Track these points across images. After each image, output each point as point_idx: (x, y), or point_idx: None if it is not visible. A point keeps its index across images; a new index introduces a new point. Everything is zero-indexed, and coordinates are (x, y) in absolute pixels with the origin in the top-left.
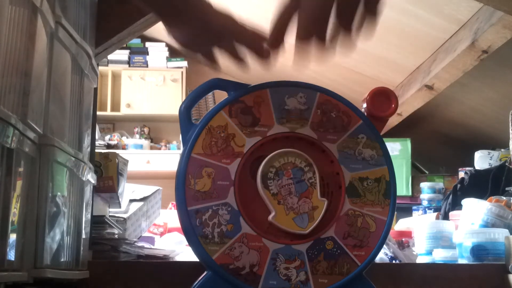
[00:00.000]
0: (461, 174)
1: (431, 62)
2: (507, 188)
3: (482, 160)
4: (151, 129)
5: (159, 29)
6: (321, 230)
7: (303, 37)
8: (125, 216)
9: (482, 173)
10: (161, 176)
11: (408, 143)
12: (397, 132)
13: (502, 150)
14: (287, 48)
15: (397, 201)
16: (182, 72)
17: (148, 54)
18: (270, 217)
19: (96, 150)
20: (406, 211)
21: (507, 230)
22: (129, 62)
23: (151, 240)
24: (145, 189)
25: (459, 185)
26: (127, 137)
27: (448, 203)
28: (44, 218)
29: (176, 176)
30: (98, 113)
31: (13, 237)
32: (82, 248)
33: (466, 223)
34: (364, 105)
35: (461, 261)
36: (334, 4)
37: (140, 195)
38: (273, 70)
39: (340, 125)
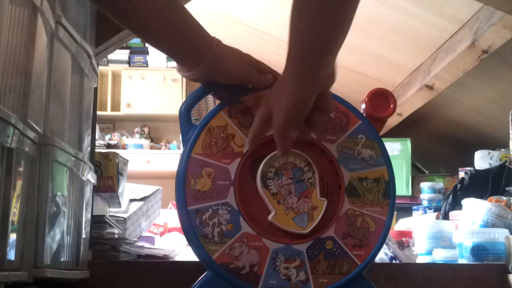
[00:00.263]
0: (461, 174)
1: (431, 62)
2: (507, 188)
3: (482, 160)
4: (151, 129)
5: None
6: (321, 230)
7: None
8: (125, 216)
9: (482, 173)
10: (161, 176)
11: (408, 143)
12: (397, 132)
13: (502, 150)
14: (286, 47)
15: (397, 201)
16: None
17: (148, 54)
18: (269, 217)
19: (96, 150)
20: (406, 211)
21: (507, 230)
22: (129, 62)
23: (151, 240)
24: (145, 189)
25: (459, 185)
26: (127, 137)
27: (448, 203)
28: (44, 218)
29: (176, 176)
30: (98, 113)
31: (13, 237)
32: (82, 248)
33: (466, 223)
34: (363, 106)
35: (461, 261)
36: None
37: (140, 195)
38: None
39: (339, 125)
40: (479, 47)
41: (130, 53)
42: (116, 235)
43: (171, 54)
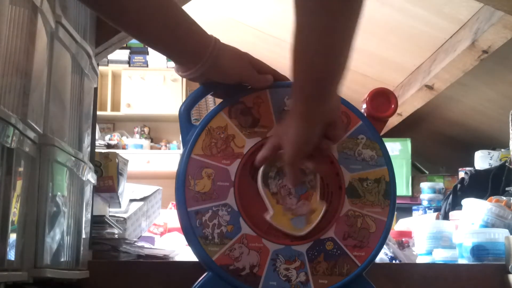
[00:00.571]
0: (461, 174)
1: (431, 62)
2: (507, 188)
3: (482, 160)
4: (151, 129)
5: None
6: (321, 230)
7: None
8: (125, 216)
9: (482, 173)
10: (161, 176)
11: (408, 143)
12: (397, 132)
13: (502, 150)
14: (286, 47)
15: (397, 201)
16: None
17: (148, 54)
18: (267, 216)
19: (96, 150)
20: (406, 211)
21: (507, 230)
22: (129, 62)
23: (151, 240)
24: (145, 189)
25: (459, 185)
26: (127, 137)
27: (448, 203)
28: (44, 218)
29: (176, 177)
30: (98, 113)
31: (13, 237)
32: (82, 248)
33: (466, 223)
34: (364, 106)
35: (461, 261)
36: None
37: (140, 195)
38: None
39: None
40: (479, 47)
41: (130, 53)
42: (116, 235)
43: (168, 54)
